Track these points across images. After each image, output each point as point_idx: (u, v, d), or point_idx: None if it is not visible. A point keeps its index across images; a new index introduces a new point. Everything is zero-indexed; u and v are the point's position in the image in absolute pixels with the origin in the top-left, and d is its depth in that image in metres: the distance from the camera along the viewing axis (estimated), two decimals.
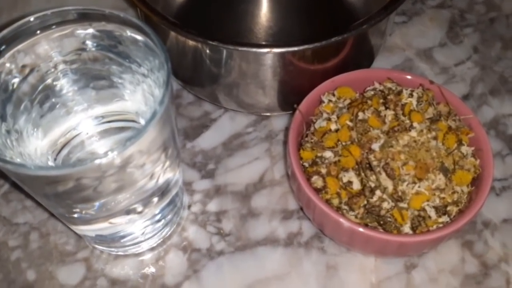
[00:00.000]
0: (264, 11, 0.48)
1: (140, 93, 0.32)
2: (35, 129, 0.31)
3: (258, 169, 0.40)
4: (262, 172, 0.40)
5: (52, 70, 0.31)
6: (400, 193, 0.32)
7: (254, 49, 0.34)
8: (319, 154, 0.34)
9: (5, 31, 0.28)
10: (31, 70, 0.30)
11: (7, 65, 0.29)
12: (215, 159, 0.41)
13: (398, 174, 0.32)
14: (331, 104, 0.36)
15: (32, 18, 0.29)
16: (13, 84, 0.30)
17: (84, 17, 0.29)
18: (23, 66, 0.30)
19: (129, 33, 0.30)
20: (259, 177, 0.40)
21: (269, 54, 0.34)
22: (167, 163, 0.30)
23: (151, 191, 0.30)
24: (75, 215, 0.30)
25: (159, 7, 0.45)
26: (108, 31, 0.30)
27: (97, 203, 0.28)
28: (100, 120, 0.34)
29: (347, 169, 0.33)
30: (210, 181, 0.40)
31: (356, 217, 0.32)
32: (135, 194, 0.29)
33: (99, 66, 0.32)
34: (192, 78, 0.41)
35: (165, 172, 0.30)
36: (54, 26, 0.29)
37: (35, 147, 0.31)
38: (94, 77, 0.32)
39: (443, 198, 0.32)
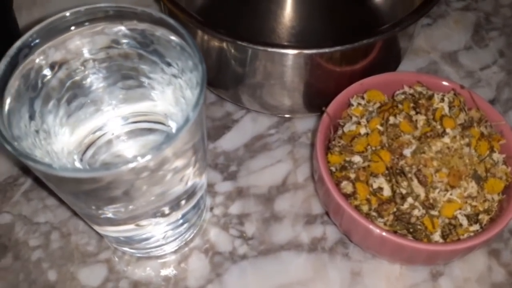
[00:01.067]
0: (287, 10, 0.48)
1: (170, 94, 0.31)
2: (63, 128, 0.31)
3: (281, 172, 0.40)
4: (285, 175, 0.40)
5: (81, 67, 0.31)
6: (431, 201, 0.31)
7: (284, 50, 0.33)
8: (347, 159, 0.33)
9: (38, 26, 0.28)
10: (60, 67, 0.30)
11: (37, 61, 0.28)
12: (237, 161, 0.40)
13: (431, 181, 0.31)
14: (361, 108, 0.36)
15: (67, 13, 0.28)
16: (42, 81, 0.29)
17: (116, 15, 0.29)
18: (53, 63, 0.30)
19: (161, 32, 0.29)
20: (282, 180, 0.39)
21: (297, 56, 0.34)
22: (197, 165, 0.29)
23: (179, 193, 0.30)
24: (102, 216, 0.29)
25: (182, 3, 0.45)
26: (140, 30, 0.29)
27: (125, 205, 0.28)
28: (127, 120, 0.33)
29: (376, 175, 0.32)
30: (233, 183, 0.39)
31: (385, 224, 0.32)
32: (164, 197, 0.29)
33: (129, 64, 0.31)
34: (216, 78, 0.40)
35: (194, 175, 0.30)
36: (86, 23, 0.29)
37: (62, 146, 0.30)
38: (123, 75, 0.32)
39: (475, 206, 0.32)
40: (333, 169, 0.34)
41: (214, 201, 0.38)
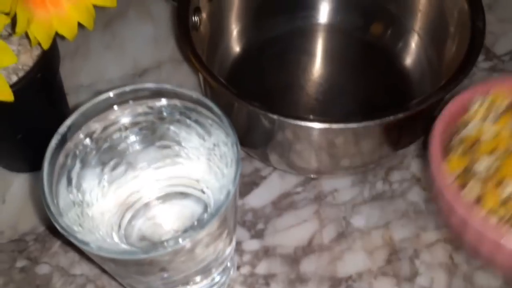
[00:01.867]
0: (316, 66, 0.49)
1: (204, 162, 0.33)
2: (103, 195, 0.32)
3: (307, 232, 0.41)
4: (310, 235, 0.41)
5: (120, 133, 0.33)
6: None
7: (312, 124, 0.34)
8: (472, 163, 0.30)
9: (85, 107, 0.30)
10: (100, 135, 0.32)
11: (81, 135, 0.31)
12: (264, 219, 0.42)
13: None
14: (484, 108, 0.33)
15: (111, 94, 0.30)
16: (84, 151, 0.31)
17: (158, 94, 0.31)
18: (94, 132, 0.32)
19: (200, 109, 0.31)
20: (307, 241, 0.40)
21: (325, 130, 0.35)
22: (229, 236, 0.31)
23: (211, 261, 0.31)
24: (134, 284, 0.31)
25: (217, 56, 0.47)
26: (180, 105, 0.31)
27: (159, 277, 0.29)
28: (162, 184, 0.35)
29: (508, 181, 0.29)
30: (259, 242, 0.40)
31: None
32: (197, 267, 0.30)
33: (166, 131, 0.33)
34: (245, 137, 0.42)
35: (226, 244, 0.31)
36: (130, 101, 0.31)
37: (102, 211, 0.32)
38: (160, 141, 0.33)
39: None
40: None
41: (242, 260, 0.39)
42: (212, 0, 0.44)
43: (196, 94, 0.30)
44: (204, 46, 0.45)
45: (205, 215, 0.32)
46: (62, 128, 0.29)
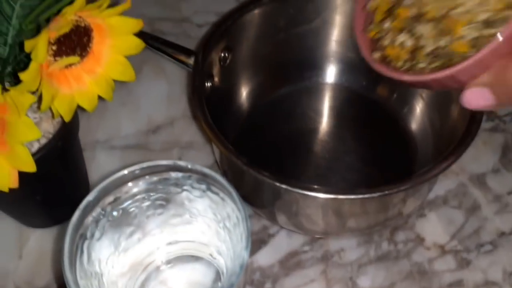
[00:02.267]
0: (323, 125, 0.51)
1: (215, 229, 0.35)
2: (118, 262, 0.34)
3: None
4: None
5: (136, 202, 0.34)
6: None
7: (320, 195, 0.36)
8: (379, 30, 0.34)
9: (102, 185, 0.31)
10: (114, 205, 0.34)
11: (99, 209, 0.32)
12: (272, 278, 0.43)
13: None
14: None
15: (126, 172, 0.32)
16: (98, 223, 0.33)
17: (172, 169, 0.33)
18: (110, 204, 0.33)
19: (212, 182, 0.32)
20: None
21: (332, 200, 0.37)
22: None
23: None
24: None
25: (228, 115, 0.49)
26: (194, 178, 0.33)
27: None
28: (174, 247, 0.37)
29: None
30: None
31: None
32: None
33: (180, 199, 0.35)
34: (253, 197, 0.43)
35: None
36: (146, 177, 0.33)
37: (116, 279, 0.34)
38: (173, 207, 0.35)
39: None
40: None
41: None
42: (224, 66, 0.47)
43: (208, 171, 0.32)
44: (216, 106, 0.47)
45: (219, 285, 0.33)
46: (83, 204, 0.30)
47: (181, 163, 0.32)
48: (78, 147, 0.44)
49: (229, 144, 0.38)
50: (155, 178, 0.34)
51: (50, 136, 0.38)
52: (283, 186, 0.36)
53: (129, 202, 0.33)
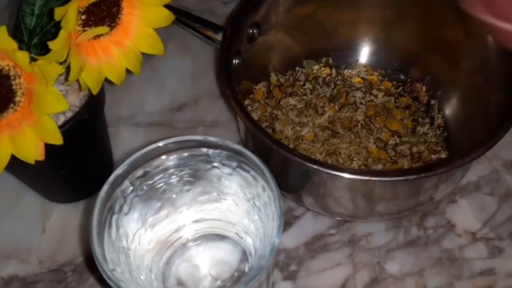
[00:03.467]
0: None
1: (244, 208, 0.34)
2: (144, 237, 0.33)
3: (340, 276, 0.41)
4: (344, 279, 0.41)
5: (165, 178, 0.34)
6: None
7: (356, 176, 0.35)
8: None
9: (134, 157, 0.31)
10: (146, 179, 0.33)
11: (128, 183, 0.32)
12: (297, 260, 0.42)
13: None
14: None
15: (160, 144, 0.31)
16: (129, 198, 0.32)
17: (203, 144, 0.32)
18: (139, 178, 0.33)
19: (243, 160, 0.31)
20: (340, 285, 0.41)
21: (363, 181, 0.35)
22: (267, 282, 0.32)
23: None
24: None
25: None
26: (224, 154, 0.32)
27: None
28: (200, 225, 0.36)
29: None
30: (292, 284, 0.41)
31: None
32: None
33: (209, 176, 0.34)
34: (280, 178, 0.42)
35: None
36: (177, 152, 0.32)
37: (143, 253, 0.33)
38: (202, 184, 0.34)
39: None
40: None
41: None
42: (252, 43, 0.45)
43: (240, 148, 0.31)
44: (241, 84, 0.46)
45: (246, 267, 0.33)
46: (112, 178, 0.30)
47: (212, 139, 0.31)
48: (103, 122, 0.43)
49: None
50: (185, 154, 0.33)
51: (76, 109, 0.37)
52: (314, 166, 0.35)
53: (158, 177, 0.32)
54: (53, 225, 0.44)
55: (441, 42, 0.47)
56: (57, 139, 0.33)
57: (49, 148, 0.33)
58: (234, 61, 0.43)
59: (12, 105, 0.31)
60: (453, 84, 0.47)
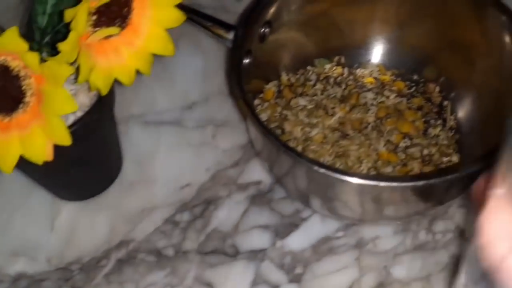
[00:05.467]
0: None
1: None
2: None
3: (346, 279, 0.41)
4: (350, 283, 0.41)
5: None
6: None
7: (362, 181, 0.35)
8: None
9: None
10: None
11: None
12: (303, 262, 0.42)
13: None
14: None
15: None
16: None
17: None
18: None
19: None
20: None
21: (370, 186, 0.35)
22: None
23: None
24: None
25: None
26: None
27: None
28: None
29: None
30: (297, 286, 0.41)
31: None
32: None
33: None
34: (286, 179, 0.42)
35: None
36: None
37: None
38: None
39: None
40: None
41: None
42: (263, 42, 0.45)
43: None
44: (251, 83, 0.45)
45: None
46: None
47: None
48: (113, 122, 0.43)
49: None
50: None
51: (86, 109, 0.38)
52: (322, 170, 0.35)
53: None
54: (62, 223, 0.45)
55: (456, 42, 0.46)
56: (66, 140, 0.33)
57: (57, 148, 0.33)
58: (244, 60, 0.43)
59: (21, 105, 0.31)
60: (467, 85, 0.46)
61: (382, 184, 0.34)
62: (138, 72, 0.36)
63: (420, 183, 0.34)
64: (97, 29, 0.32)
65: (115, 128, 0.44)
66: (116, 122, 0.44)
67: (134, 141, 0.49)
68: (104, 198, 0.46)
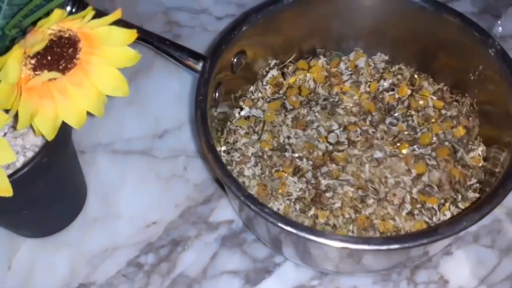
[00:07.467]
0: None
1: None
2: None
3: None
4: None
5: None
6: None
7: (330, 242, 0.31)
8: None
9: None
10: None
11: None
12: None
13: None
14: None
15: None
16: None
17: None
18: None
19: None
20: None
21: (344, 249, 0.32)
22: None
23: None
24: None
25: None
26: None
27: None
28: None
29: None
30: None
31: None
32: None
33: None
34: (255, 225, 0.39)
35: None
36: None
37: None
38: None
39: None
40: None
41: None
42: (236, 71, 0.42)
43: None
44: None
45: None
46: None
47: None
48: (72, 156, 0.40)
49: None
50: None
51: (37, 149, 0.35)
52: (294, 230, 0.32)
53: None
54: (19, 261, 0.42)
55: None
56: (6, 191, 0.30)
57: None
58: (214, 94, 0.40)
59: None
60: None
61: (353, 247, 0.31)
62: (109, 96, 0.32)
63: (395, 246, 0.31)
64: (38, 72, 0.29)
65: (75, 161, 0.41)
66: (76, 156, 0.42)
67: (100, 173, 0.46)
68: (65, 235, 0.43)
